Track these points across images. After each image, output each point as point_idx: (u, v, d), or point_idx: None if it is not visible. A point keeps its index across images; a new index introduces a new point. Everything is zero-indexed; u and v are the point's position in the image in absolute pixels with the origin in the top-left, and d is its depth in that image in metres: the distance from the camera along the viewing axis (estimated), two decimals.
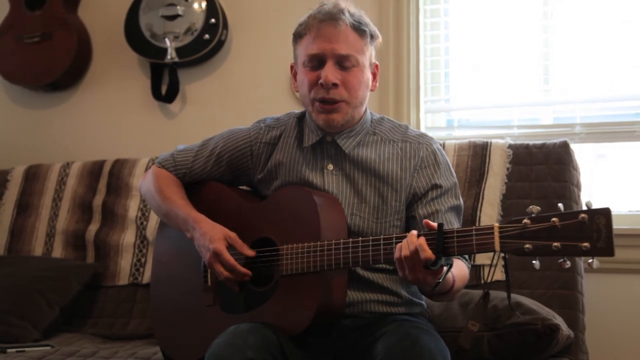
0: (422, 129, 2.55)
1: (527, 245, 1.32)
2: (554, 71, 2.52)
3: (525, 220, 1.33)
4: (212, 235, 1.65)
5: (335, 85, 1.63)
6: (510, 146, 2.22)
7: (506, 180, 2.18)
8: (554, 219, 1.30)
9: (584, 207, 1.29)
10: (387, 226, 1.69)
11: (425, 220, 1.44)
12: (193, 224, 1.71)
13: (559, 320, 1.82)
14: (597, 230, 1.26)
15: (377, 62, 1.74)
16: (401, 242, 1.43)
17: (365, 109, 1.76)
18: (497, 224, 1.37)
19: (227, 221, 1.70)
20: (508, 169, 2.19)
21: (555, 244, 1.29)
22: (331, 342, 1.64)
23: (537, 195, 2.13)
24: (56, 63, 2.93)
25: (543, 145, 2.20)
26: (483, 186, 2.19)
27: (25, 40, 2.95)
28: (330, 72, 1.63)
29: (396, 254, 1.43)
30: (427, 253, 1.38)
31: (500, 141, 2.25)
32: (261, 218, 1.70)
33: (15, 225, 2.69)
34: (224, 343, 1.48)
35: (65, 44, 2.92)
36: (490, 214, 2.14)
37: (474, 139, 2.29)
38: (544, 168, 2.15)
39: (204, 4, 2.77)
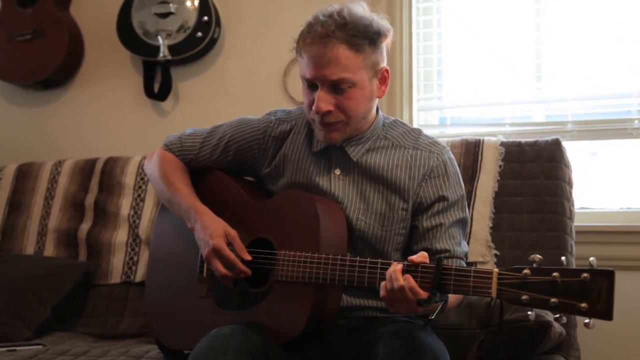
0: (415, 127, 2.55)
1: (524, 297, 1.31)
2: (546, 69, 2.53)
3: (525, 271, 1.31)
4: (213, 231, 1.63)
5: (329, 111, 1.59)
6: (502, 144, 2.23)
7: (498, 178, 2.18)
8: (555, 273, 1.28)
9: (588, 266, 1.27)
10: (392, 234, 1.67)
11: (410, 258, 1.42)
12: (195, 215, 1.69)
13: (551, 317, 1.82)
14: (597, 292, 1.25)
15: (386, 67, 1.66)
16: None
17: (377, 113, 1.72)
18: (496, 270, 1.35)
19: (228, 215, 1.69)
20: (500, 166, 2.19)
21: (553, 299, 1.28)
22: (325, 342, 1.63)
23: (529, 193, 2.13)
24: (48, 61, 2.91)
25: (535, 143, 2.20)
26: (475, 184, 2.19)
27: (17, 38, 2.94)
28: (321, 100, 1.57)
29: (382, 293, 1.41)
30: (420, 294, 1.37)
31: (493, 139, 2.26)
32: (262, 218, 1.69)
33: (6, 223, 2.67)
34: (204, 348, 1.46)
35: (57, 41, 2.90)
36: (482, 212, 2.15)
37: (466, 137, 2.29)
38: (536, 165, 2.16)
39: (196, 2, 2.76)
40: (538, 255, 1.32)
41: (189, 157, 1.83)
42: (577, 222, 2.14)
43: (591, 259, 1.28)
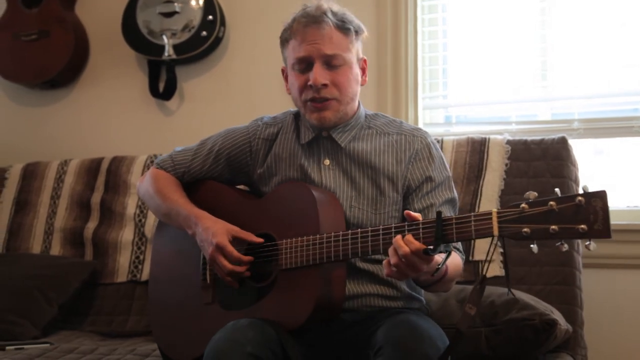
0: (420, 125, 2.55)
1: (525, 229, 1.33)
2: (551, 67, 2.52)
3: (522, 205, 1.34)
4: (215, 230, 1.66)
5: (324, 85, 1.66)
6: (508, 142, 2.23)
7: (504, 176, 2.18)
8: (551, 202, 1.31)
9: (581, 191, 1.31)
10: (385, 217, 1.70)
11: (406, 211, 1.45)
12: (195, 220, 1.71)
13: (557, 315, 1.82)
14: (593, 213, 1.27)
15: (364, 57, 1.75)
16: (399, 233, 1.43)
17: (359, 104, 1.78)
18: (495, 210, 1.37)
19: (226, 218, 1.70)
20: (506, 164, 2.19)
21: (553, 227, 1.30)
22: (330, 336, 1.64)
23: (535, 191, 2.11)
24: (53, 61, 2.92)
25: (541, 141, 2.20)
26: (481, 182, 2.19)
27: (22, 38, 2.95)
28: (318, 74, 1.65)
29: (386, 271, 1.43)
30: (415, 245, 1.38)
31: (499, 137, 2.25)
32: (260, 214, 1.71)
33: (13, 223, 2.69)
34: (223, 338, 1.48)
35: (63, 41, 2.91)
36: None
37: (472, 135, 2.29)
38: (542, 164, 2.16)
39: (201, 1, 2.76)
40: (533, 193, 1.34)
41: (181, 170, 1.86)
42: None
43: (583, 185, 1.32)
